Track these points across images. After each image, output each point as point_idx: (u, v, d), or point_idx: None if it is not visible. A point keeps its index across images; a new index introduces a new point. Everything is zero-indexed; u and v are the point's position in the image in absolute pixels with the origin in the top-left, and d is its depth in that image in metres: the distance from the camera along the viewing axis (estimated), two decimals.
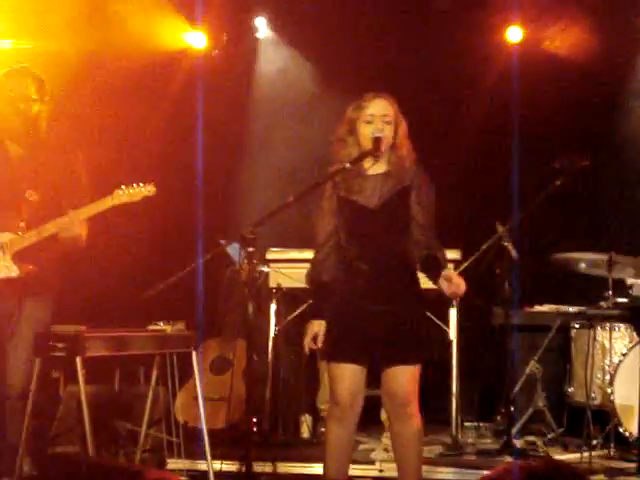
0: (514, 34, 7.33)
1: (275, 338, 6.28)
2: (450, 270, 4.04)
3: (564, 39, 7.25)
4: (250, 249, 3.87)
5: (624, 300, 5.33)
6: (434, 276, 4.00)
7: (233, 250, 5.42)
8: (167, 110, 7.42)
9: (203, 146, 6.89)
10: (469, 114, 7.26)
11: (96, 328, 4.92)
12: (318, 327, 4.08)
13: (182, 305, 5.66)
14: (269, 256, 6.27)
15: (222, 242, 5.14)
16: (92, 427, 4.44)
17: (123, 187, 4.58)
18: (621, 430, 5.50)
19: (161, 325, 5.02)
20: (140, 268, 6.64)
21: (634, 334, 5.48)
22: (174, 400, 5.60)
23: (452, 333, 5.98)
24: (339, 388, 4.06)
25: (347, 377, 4.05)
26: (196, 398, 5.27)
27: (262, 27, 7.81)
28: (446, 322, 5.98)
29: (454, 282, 3.91)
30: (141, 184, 4.64)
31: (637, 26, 7.22)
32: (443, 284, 3.93)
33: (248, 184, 7.71)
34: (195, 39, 7.62)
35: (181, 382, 5.26)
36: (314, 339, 4.07)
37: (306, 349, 4.11)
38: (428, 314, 4.39)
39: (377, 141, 4.03)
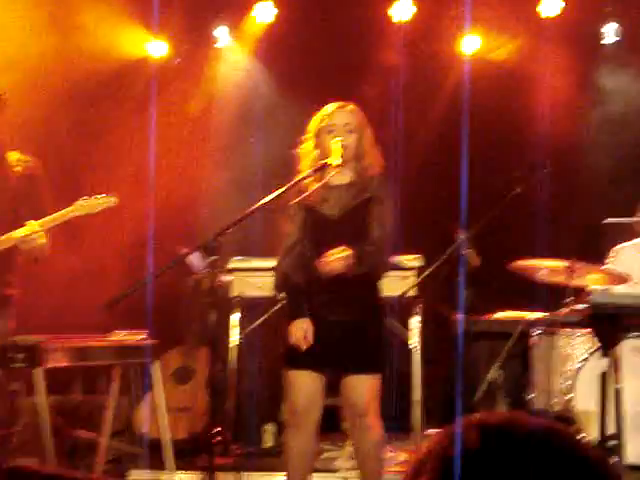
0: (469, 44, 7.42)
1: (238, 347, 6.26)
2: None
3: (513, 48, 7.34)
4: (212, 258, 3.87)
5: (584, 306, 5.39)
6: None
7: (195, 259, 5.41)
8: (128, 118, 7.37)
9: (165, 156, 6.87)
10: (431, 121, 7.31)
11: (57, 338, 4.88)
12: (304, 324, 4.03)
13: (144, 315, 5.63)
14: (231, 265, 6.25)
15: (184, 251, 5.12)
16: (52, 438, 4.39)
17: (85, 198, 4.55)
18: (582, 436, 5.55)
19: (122, 334, 5.00)
20: (103, 277, 6.59)
21: (594, 340, 5.53)
22: (136, 410, 5.56)
23: (414, 341, 6.00)
24: (296, 396, 4.07)
25: (304, 385, 4.05)
26: (158, 408, 5.24)
27: (223, 36, 7.79)
28: (408, 330, 5.99)
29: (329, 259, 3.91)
30: (103, 195, 4.60)
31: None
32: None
33: (211, 193, 7.69)
34: (156, 48, 7.60)
35: (143, 392, 5.23)
36: (304, 337, 4.01)
37: (302, 347, 4.03)
38: (393, 322, 4.41)
39: (339, 150, 4.04)
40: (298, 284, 4.11)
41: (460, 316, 6.16)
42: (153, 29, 7.42)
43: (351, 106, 4.19)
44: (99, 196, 4.57)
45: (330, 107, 4.18)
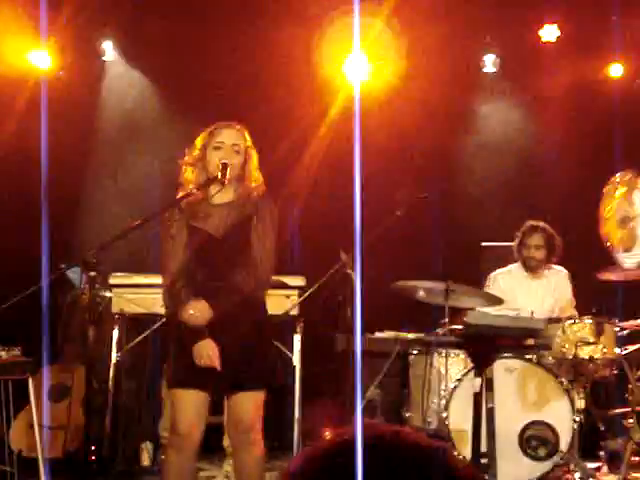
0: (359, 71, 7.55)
1: (116, 365, 6.16)
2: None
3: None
4: (92, 273, 3.83)
5: (459, 327, 5.55)
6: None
7: (74, 274, 5.32)
8: (12, 131, 7.22)
9: (48, 168, 6.74)
10: (316, 142, 7.40)
11: None
12: (208, 345, 3.98)
13: (19, 330, 5.50)
14: (112, 281, 6.16)
15: (63, 266, 5.03)
16: None
17: None
18: (455, 454, 5.66)
19: None
20: None
21: (468, 360, 5.68)
22: (8, 428, 5.42)
23: (295, 359, 6.04)
24: (179, 415, 4.04)
25: (189, 404, 4.03)
26: (32, 426, 5.12)
27: (108, 50, 7.70)
28: (290, 348, 6.03)
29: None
30: None
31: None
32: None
33: (93, 208, 7.58)
34: (40, 59, 7.44)
35: (16, 409, 5.10)
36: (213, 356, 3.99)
37: (216, 365, 3.99)
38: (273, 341, 4.43)
39: (224, 167, 4.06)
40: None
41: (342, 335, 6.26)
42: (39, 39, 7.28)
43: (239, 127, 4.22)
44: None
45: (220, 125, 4.20)
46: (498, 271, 6.48)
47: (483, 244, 7.07)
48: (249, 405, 4.04)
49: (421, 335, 5.82)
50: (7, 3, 7.08)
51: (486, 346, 4.39)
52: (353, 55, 7.41)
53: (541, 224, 6.31)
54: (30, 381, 4.99)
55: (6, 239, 6.84)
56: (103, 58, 7.73)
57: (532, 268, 6.35)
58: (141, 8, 7.39)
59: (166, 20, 7.46)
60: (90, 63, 7.71)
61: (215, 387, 4.07)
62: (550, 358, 5.62)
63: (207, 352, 3.97)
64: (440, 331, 5.42)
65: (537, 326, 4.31)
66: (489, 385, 4.50)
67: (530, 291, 6.38)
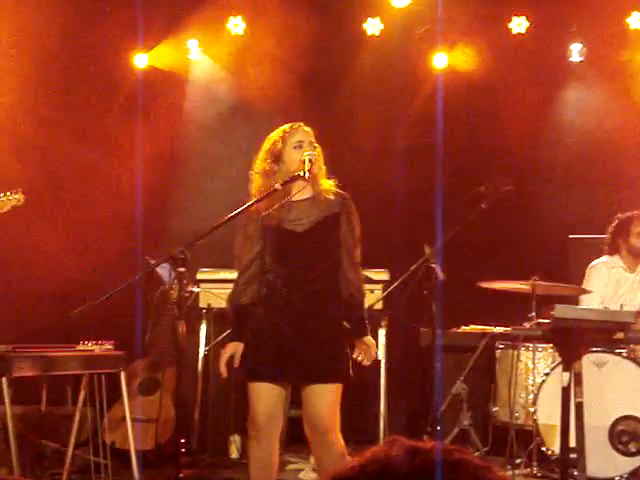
0: (439, 60, 7.51)
1: (205, 358, 6.27)
2: (363, 340, 4.15)
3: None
4: (180, 269, 3.90)
5: (546, 321, 5.47)
6: (352, 334, 4.16)
7: (163, 270, 5.43)
8: (110, 128, 7.42)
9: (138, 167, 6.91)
10: (398, 135, 7.40)
11: (24, 347, 4.87)
12: (234, 349, 4.13)
13: (111, 325, 5.64)
14: (199, 276, 6.28)
15: (152, 262, 5.14)
16: (18, 448, 4.39)
17: None
18: (544, 449, 5.62)
19: (89, 345, 4.99)
20: (71, 286, 6.58)
21: (556, 354, 5.61)
22: (102, 421, 5.56)
23: (380, 353, 6.05)
24: (256, 408, 4.10)
25: (264, 397, 4.09)
26: (124, 419, 5.24)
27: (194, 49, 7.82)
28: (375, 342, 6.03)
29: (368, 349, 4.12)
30: (8, 193, 4.51)
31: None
32: (357, 348, 4.13)
33: (181, 205, 7.71)
34: (137, 59, 7.65)
35: (109, 403, 5.23)
36: (231, 361, 4.11)
37: (222, 370, 4.13)
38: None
39: (309, 163, 4.09)
40: (244, 306, 4.15)
41: (426, 330, 6.24)
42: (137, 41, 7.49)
43: (307, 127, 4.27)
44: (4, 194, 4.47)
45: (289, 126, 4.23)
46: (598, 260, 6.30)
47: (571, 236, 6.97)
48: (323, 402, 4.05)
49: (508, 329, 5.76)
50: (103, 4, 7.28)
51: (574, 340, 4.33)
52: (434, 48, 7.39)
53: None
54: (122, 375, 5.11)
55: (102, 237, 7.01)
56: (190, 56, 7.86)
57: (638, 256, 6.17)
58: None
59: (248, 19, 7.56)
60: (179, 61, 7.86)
61: (290, 380, 4.12)
62: None
63: (225, 353, 4.14)
64: (527, 325, 5.36)
65: (626, 319, 4.23)
66: (578, 379, 4.44)
67: (626, 284, 6.24)
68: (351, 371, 4.13)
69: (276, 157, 4.18)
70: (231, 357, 4.13)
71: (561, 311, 4.17)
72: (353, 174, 4.32)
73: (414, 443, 1.44)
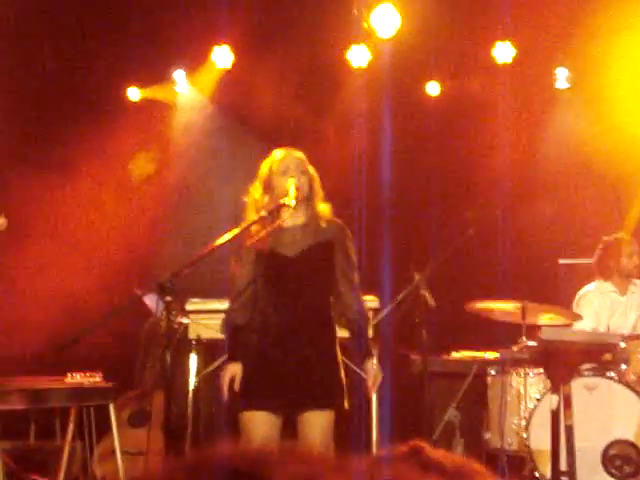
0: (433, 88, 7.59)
1: (195, 390, 6.23)
2: (370, 362, 4.13)
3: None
4: (168, 299, 3.88)
5: (533, 344, 5.47)
6: (358, 359, 4.16)
7: (151, 301, 5.41)
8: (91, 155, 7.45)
9: (123, 195, 6.92)
10: (386, 163, 7.43)
11: (11, 379, 4.84)
12: (235, 369, 4.09)
13: (100, 356, 5.61)
14: (189, 307, 6.24)
15: (138, 292, 5.12)
16: None
17: None
18: (536, 474, 5.58)
19: (77, 377, 4.96)
20: (58, 318, 6.55)
21: (548, 380, 5.59)
22: (91, 454, 5.51)
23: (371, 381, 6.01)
24: (249, 437, 4.06)
25: (257, 426, 4.06)
26: (114, 452, 5.20)
27: (180, 80, 7.88)
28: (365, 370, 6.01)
29: (372, 379, 4.11)
30: None
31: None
32: (366, 373, 4.13)
33: (170, 235, 7.71)
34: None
35: (99, 435, 5.19)
36: (231, 382, 4.08)
37: (224, 391, 4.09)
38: (346, 363, 4.44)
39: (294, 189, 4.09)
40: (239, 327, 4.14)
41: (417, 356, 6.22)
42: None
43: (299, 152, 4.28)
44: None
45: (280, 152, 4.25)
46: (587, 288, 6.30)
47: (561, 261, 6.98)
48: (318, 429, 4.03)
49: (498, 355, 5.75)
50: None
51: (561, 362, 4.33)
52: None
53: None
54: (112, 407, 5.07)
55: (90, 265, 7.00)
56: (176, 88, 7.90)
57: (631, 276, 6.18)
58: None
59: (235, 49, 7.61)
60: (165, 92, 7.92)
61: (284, 409, 4.09)
62: (632, 375, 5.50)
63: (225, 375, 4.11)
64: (515, 348, 5.35)
65: (613, 341, 4.23)
66: (567, 402, 4.43)
67: (619, 307, 6.24)
68: (346, 403, 4.11)
69: (266, 184, 4.20)
70: (232, 379, 4.09)
71: (548, 333, 4.18)
72: (338, 198, 4.30)
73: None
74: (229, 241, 4.09)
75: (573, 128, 7.65)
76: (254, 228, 4.13)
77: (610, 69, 7.40)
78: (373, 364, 4.15)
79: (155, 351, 6.11)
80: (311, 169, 4.26)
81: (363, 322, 4.22)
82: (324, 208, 4.24)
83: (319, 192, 4.24)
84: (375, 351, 6.05)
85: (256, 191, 4.23)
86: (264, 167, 4.24)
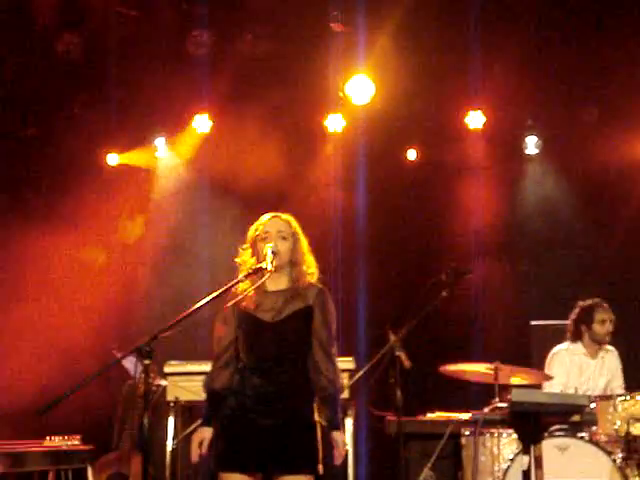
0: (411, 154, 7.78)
1: (173, 452, 6.25)
2: (337, 433, 4.15)
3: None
4: (146, 361, 3.94)
5: (504, 405, 5.54)
6: (327, 428, 4.16)
7: (130, 363, 5.46)
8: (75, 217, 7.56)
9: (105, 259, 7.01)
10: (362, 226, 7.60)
11: None
12: (205, 434, 4.13)
13: (77, 419, 5.63)
14: (167, 369, 6.29)
15: (118, 355, 5.18)
16: None
17: None
18: None
19: (56, 440, 5.00)
20: (36, 380, 6.58)
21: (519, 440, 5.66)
22: None
23: (348, 442, 6.06)
24: None
25: None
26: None
27: (161, 146, 8.08)
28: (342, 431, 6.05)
29: (339, 450, 4.10)
30: None
31: None
32: (334, 443, 4.12)
33: (150, 298, 7.78)
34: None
35: None
36: (200, 446, 4.12)
37: (193, 456, 4.14)
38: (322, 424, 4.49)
39: (270, 255, 4.17)
40: (216, 392, 4.19)
41: (392, 417, 6.28)
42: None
43: (285, 215, 4.35)
44: None
45: (265, 216, 4.34)
46: (560, 347, 6.42)
47: (532, 323, 7.10)
48: None
49: (471, 415, 5.82)
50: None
51: (532, 423, 4.41)
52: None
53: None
54: (89, 470, 5.10)
55: (71, 327, 7.05)
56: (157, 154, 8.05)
57: (601, 343, 6.31)
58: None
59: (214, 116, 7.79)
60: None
61: (260, 471, 4.13)
62: (602, 436, 5.58)
63: (195, 439, 4.11)
64: (486, 409, 5.44)
65: (581, 402, 4.33)
66: (538, 463, 4.50)
67: (588, 370, 6.36)
68: (320, 467, 4.15)
69: (252, 247, 4.28)
70: (200, 443, 4.14)
71: (518, 395, 4.26)
72: (315, 259, 4.40)
73: None
74: (208, 303, 4.16)
75: (545, 192, 7.84)
76: (241, 288, 4.19)
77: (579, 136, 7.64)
78: (339, 435, 4.19)
79: (133, 413, 6.14)
80: (298, 233, 4.32)
81: (334, 392, 4.22)
82: (309, 272, 4.29)
83: (304, 255, 4.30)
84: (351, 412, 6.17)
85: (245, 253, 4.31)
86: (251, 231, 4.32)
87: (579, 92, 7.60)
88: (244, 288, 4.19)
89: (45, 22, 7.08)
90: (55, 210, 7.52)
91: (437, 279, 5.74)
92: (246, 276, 4.19)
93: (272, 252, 4.16)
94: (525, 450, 4.37)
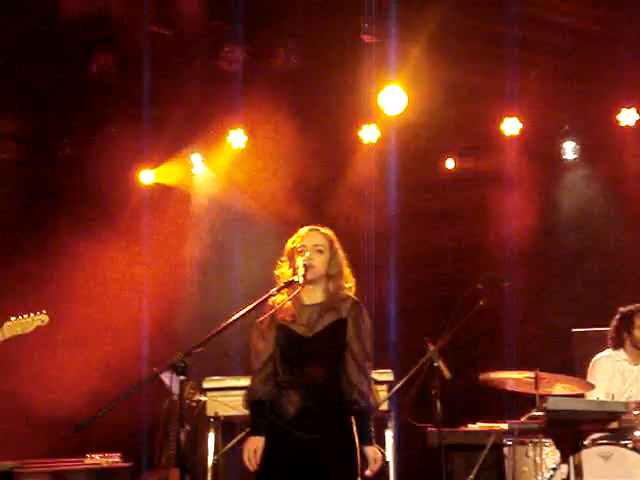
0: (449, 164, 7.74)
1: (213, 467, 6.26)
2: (369, 448, 4.14)
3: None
4: (182, 377, 3.95)
5: (541, 414, 5.47)
6: (360, 441, 4.14)
7: (168, 379, 5.47)
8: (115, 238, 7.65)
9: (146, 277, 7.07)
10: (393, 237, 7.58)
11: (32, 462, 4.91)
12: (256, 443, 4.12)
13: (118, 436, 5.66)
14: (206, 385, 6.30)
15: (156, 371, 5.19)
16: None
17: (13, 319, 4.53)
18: None
19: (96, 457, 5.02)
20: (77, 396, 6.63)
21: None
22: None
23: (389, 454, 6.03)
24: None
25: None
26: None
27: (197, 162, 8.15)
28: (382, 444, 6.03)
29: (371, 464, 4.10)
30: (32, 314, 4.58)
31: None
32: (366, 458, 4.11)
33: (193, 314, 7.82)
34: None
35: None
36: (254, 454, 4.10)
37: (247, 464, 4.11)
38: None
39: (305, 268, 4.17)
40: (261, 401, 4.19)
41: (434, 429, 6.22)
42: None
43: (324, 229, 4.35)
44: (28, 315, 4.55)
45: (303, 229, 4.34)
46: (602, 354, 6.34)
47: (574, 330, 7.01)
48: None
49: (512, 425, 5.75)
50: None
51: (569, 431, 4.35)
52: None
53: None
54: None
55: (112, 343, 7.10)
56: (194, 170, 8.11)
57: None
58: None
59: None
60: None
61: None
62: None
63: (249, 449, 4.11)
64: (523, 419, 5.37)
65: (619, 409, 4.26)
66: (578, 471, 4.44)
67: (631, 376, 6.27)
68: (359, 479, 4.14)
69: (290, 260, 4.28)
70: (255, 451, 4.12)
71: (554, 403, 4.21)
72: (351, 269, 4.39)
73: None
74: (241, 317, 4.16)
75: (583, 199, 7.76)
76: (278, 300, 4.19)
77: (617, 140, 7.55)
78: (371, 449, 4.16)
79: (174, 430, 6.16)
80: (336, 247, 4.31)
81: (366, 406, 4.20)
82: (346, 286, 4.28)
83: (340, 271, 4.29)
84: (391, 424, 6.13)
85: (283, 266, 4.32)
86: (289, 243, 4.33)
87: (617, 97, 7.51)
88: (280, 300, 4.19)
89: (80, 41, 7.19)
90: (110, 226, 7.63)
91: (474, 288, 5.70)
92: (279, 289, 4.20)
93: (304, 265, 4.17)
94: (563, 459, 4.31)
